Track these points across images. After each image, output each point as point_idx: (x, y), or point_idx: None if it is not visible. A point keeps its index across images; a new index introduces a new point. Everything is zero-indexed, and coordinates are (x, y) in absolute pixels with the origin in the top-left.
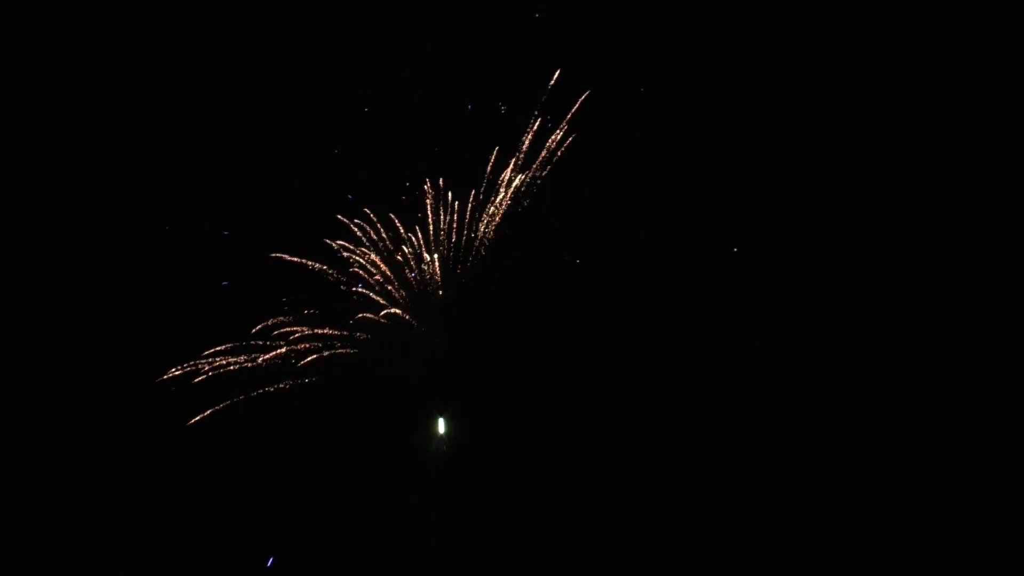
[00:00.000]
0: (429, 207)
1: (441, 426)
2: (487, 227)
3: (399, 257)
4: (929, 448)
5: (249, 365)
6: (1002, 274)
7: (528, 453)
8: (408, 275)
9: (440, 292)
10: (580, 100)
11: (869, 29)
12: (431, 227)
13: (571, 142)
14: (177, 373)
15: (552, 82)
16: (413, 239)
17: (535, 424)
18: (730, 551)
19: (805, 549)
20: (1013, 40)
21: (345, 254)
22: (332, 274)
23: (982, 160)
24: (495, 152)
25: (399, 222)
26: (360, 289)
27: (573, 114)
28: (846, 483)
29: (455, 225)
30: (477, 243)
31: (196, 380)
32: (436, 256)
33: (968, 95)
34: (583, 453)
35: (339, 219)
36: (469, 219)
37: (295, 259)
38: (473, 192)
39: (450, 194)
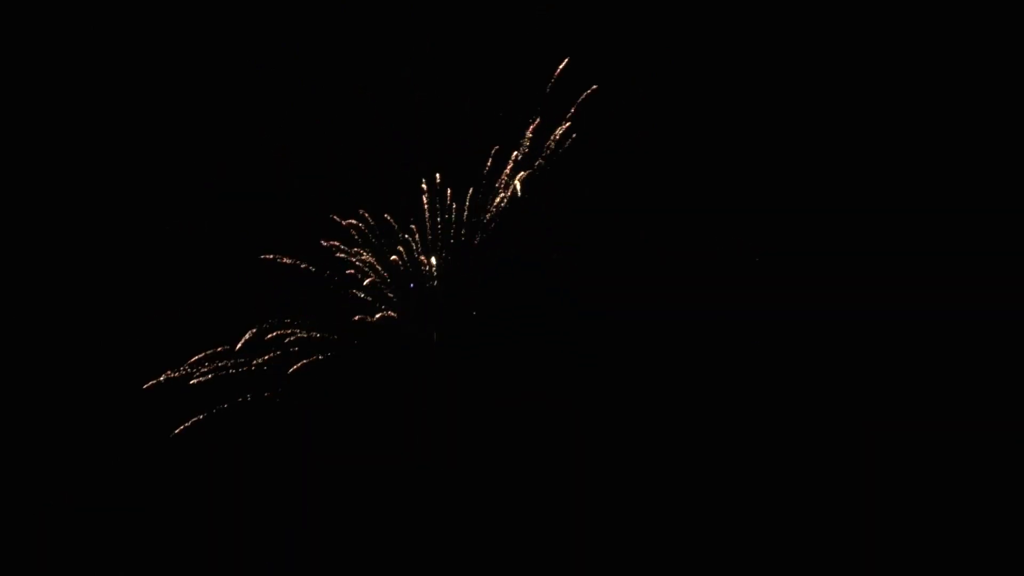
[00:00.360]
0: (426, 207)
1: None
2: (485, 227)
3: (395, 258)
4: (929, 448)
5: (244, 369)
6: (1002, 274)
7: (527, 453)
8: (405, 276)
9: (438, 293)
10: (585, 95)
11: (870, 29)
12: (428, 227)
13: (572, 141)
14: (172, 376)
15: (557, 73)
16: (410, 239)
17: (534, 424)
18: (730, 551)
19: (805, 549)
20: (1013, 40)
21: (340, 255)
22: (327, 276)
23: (982, 160)
24: (493, 151)
25: (396, 222)
26: (356, 291)
27: (574, 113)
28: (846, 483)
29: (453, 225)
30: (475, 243)
31: (192, 383)
32: (433, 256)
33: (968, 95)
34: (583, 453)
35: (335, 220)
36: (467, 219)
37: (289, 260)
38: (471, 191)
39: (448, 193)
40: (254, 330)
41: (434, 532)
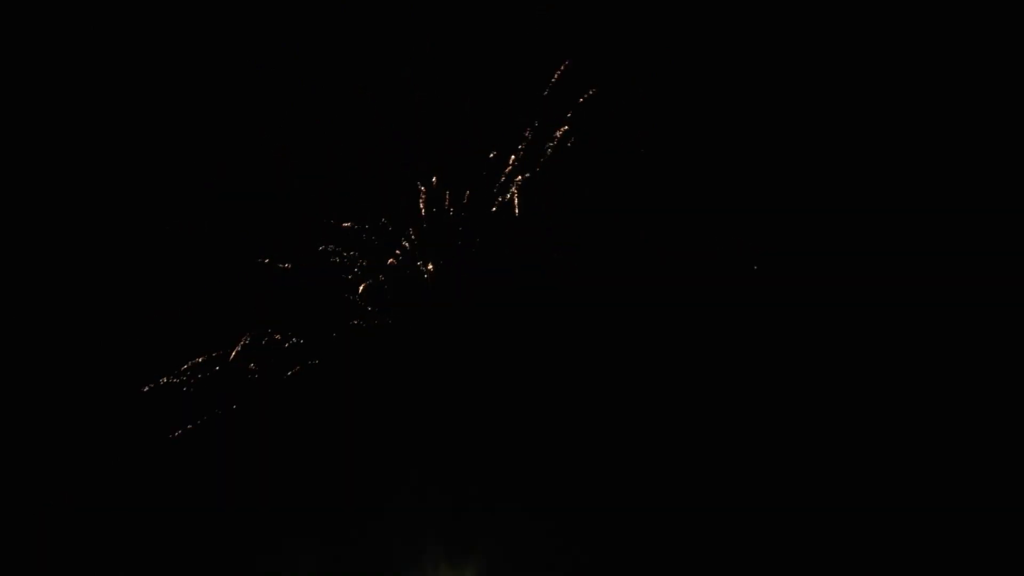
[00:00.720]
0: (424, 208)
1: None
2: (485, 228)
3: (392, 260)
4: (930, 449)
5: (242, 373)
6: (1002, 274)
7: (527, 454)
8: (402, 279)
9: (436, 295)
10: (584, 96)
11: (870, 29)
12: (427, 228)
13: (572, 142)
14: (170, 379)
15: (558, 74)
16: (407, 242)
17: (534, 424)
18: (730, 552)
19: (805, 550)
20: (1013, 40)
21: (337, 258)
22: (324, 278)
23: (982, 160)
24: (493, 152)
25: (394, 224)
26: (352, 294)
27: (573, 114)
28: (846, 484)
29: (452, 226)
30: (474, 245)
31: (190, 385)
32: (431, 260)
33: (968, 95)
34: (583, 453)
35: (333, 222)
36: (466, 220)
37: (285, 264)
38: (470, 192)
39: (447, 195)
40: (251, 334)
41: (434, 531)
